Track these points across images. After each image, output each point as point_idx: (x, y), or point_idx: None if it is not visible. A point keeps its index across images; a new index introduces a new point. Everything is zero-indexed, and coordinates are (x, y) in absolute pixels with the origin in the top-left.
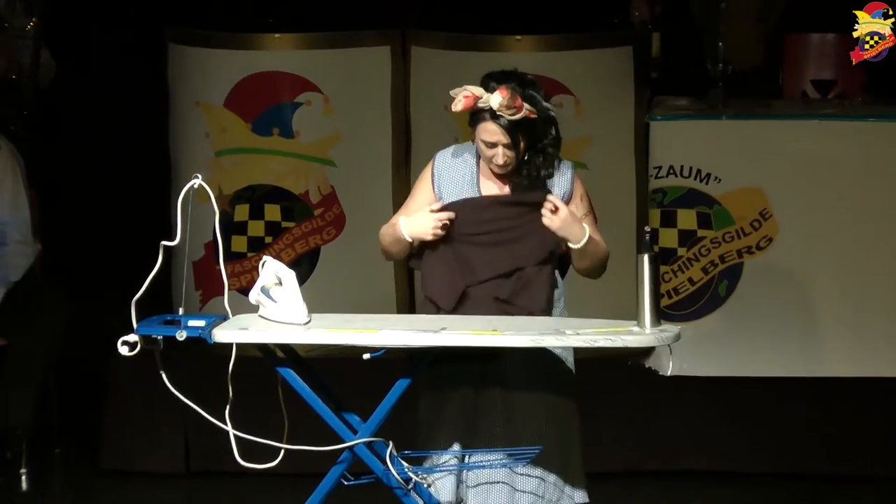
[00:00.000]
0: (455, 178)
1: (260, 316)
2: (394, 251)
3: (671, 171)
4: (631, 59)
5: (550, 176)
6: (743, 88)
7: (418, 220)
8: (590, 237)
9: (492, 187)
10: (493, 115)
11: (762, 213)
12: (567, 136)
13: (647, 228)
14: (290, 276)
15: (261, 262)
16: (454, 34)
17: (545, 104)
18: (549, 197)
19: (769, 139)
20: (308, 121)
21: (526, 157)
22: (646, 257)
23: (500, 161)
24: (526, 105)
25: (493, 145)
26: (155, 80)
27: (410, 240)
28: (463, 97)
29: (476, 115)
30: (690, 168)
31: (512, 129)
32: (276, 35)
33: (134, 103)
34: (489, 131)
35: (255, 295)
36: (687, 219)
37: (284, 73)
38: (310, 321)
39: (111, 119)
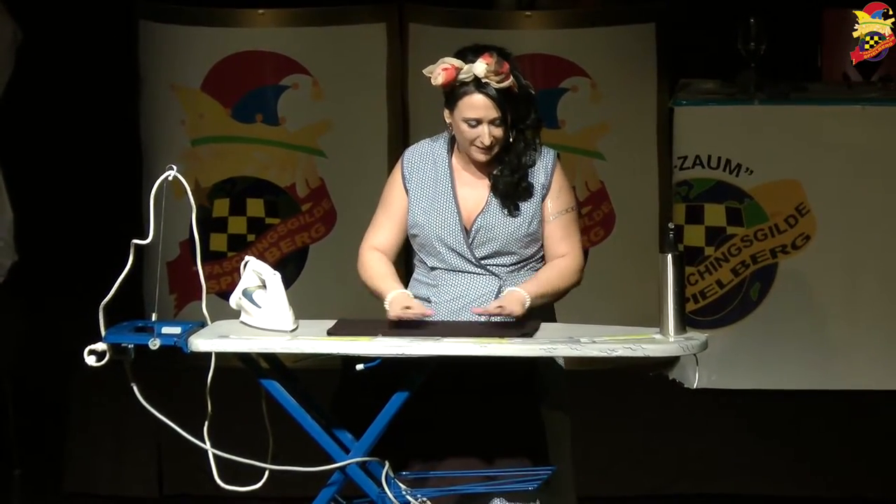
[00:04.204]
0: (426, 181)
1: (241, 322)
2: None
3: (697, 162)
4: (653, 36)
5: (532, 164)
6: (777, 70)
7: (395, 305)
8: (535, 294)
9: (469, 192)
10: (479, 86)
11: (799, 208)
12: (582, 122)
13: (671, 225)
14: (274, 278)
15: (242, 263)
16: (456, 9)
17: (525, 81)
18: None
19: (806, 126)
20: (295, 106)
21: (510, 140)
22: (669, 257)
23: (487, 141)
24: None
25: (477, 122)
26: (124, 60)
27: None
28: (443, 69)
29: (456, 91)
30: (719, 158)
31: (500, 100)
32: (260, 11)
33: (101, 87)
34: (474, 106)
35: (236, 299)
36: (715, 214)
37: (268, 52)
38: (297, 328)
39: (74, 104)
